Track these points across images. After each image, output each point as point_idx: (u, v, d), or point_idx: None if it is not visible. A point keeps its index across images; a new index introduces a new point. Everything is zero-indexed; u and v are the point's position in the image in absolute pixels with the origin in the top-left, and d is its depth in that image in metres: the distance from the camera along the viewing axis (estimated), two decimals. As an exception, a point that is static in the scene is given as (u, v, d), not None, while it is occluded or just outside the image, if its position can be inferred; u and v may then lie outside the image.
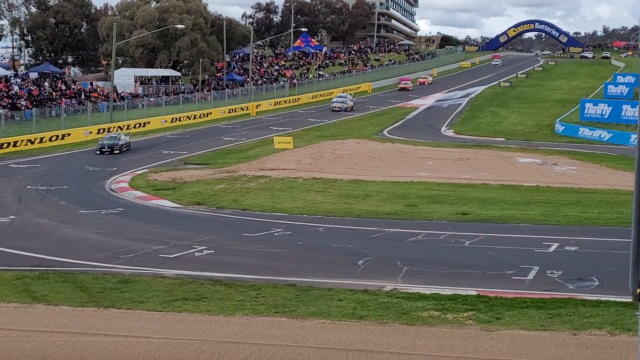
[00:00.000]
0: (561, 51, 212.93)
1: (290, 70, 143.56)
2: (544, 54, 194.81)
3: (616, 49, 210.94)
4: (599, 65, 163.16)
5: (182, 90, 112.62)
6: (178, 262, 29.53)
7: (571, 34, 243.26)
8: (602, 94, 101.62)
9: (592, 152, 65.64)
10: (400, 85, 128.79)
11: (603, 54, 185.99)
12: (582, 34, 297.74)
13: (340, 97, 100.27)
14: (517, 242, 33.00)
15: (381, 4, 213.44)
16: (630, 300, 23.08)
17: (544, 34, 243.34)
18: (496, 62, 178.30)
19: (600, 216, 38.79)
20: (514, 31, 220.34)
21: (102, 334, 20.61)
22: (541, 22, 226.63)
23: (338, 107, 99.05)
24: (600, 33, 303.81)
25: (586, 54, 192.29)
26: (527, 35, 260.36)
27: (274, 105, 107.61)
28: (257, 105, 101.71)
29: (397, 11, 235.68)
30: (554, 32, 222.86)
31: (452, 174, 52.56)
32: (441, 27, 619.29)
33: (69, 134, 71.12)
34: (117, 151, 63.72)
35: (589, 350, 19.24)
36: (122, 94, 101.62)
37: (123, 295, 24.64)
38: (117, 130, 74.00)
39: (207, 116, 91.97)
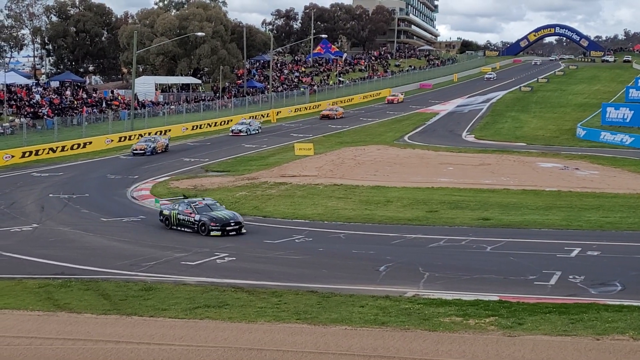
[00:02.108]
0: (582, 55, 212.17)
1: (307, 78, 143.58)
2: (550, 59, 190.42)
3: (637, 52, 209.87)
4: (620, 69, 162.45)
5: (203, 98, 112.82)
6: (200, 270, 29.62)
7: (592, 38, 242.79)
8: (624, 98, 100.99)
9: (613, 156, 65.30)
10: (322, 113, 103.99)
11: (624, 58, 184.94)
12: (603, 38, 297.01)
13: (243, 123, 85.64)
14: (539, 247, 32.90)
15: (401, 9, 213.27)
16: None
17: (564, 38, 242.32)
18: (490, 76, 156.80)
19: (623, 220, 38.62)
20: (535, 35, 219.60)
21: (124, 342, 20.71)
22: (562, 27, 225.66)
23: (237, 132, 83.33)
24: (621, 37, 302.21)
25: (607, 58, 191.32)
26: (547, 39, 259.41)
27: (295, 112, 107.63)
28: (278, 112, 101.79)
29: (417, 17, 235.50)
30: (574, 36, 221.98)
31: (473, 180, 52.44)
32: (461, 32, 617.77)
33: (90, 142, 71.41)
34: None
35: (612, 355, 19.18)
36: (143, 102, 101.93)
37: (145, 302, 24.74)
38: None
39: (227, 123, 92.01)
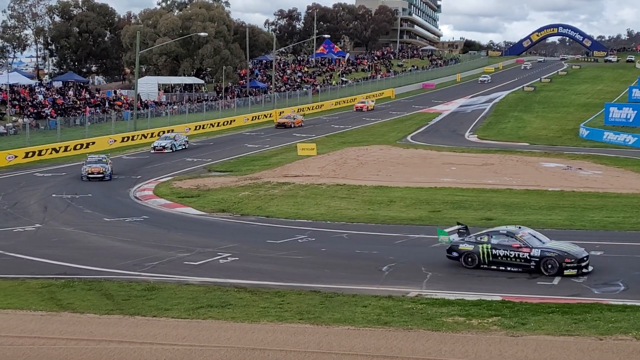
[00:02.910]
0: (585, 55, 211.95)
1: (308, 78, 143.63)
2: (538, 61, 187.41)
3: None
4: (624, 69, 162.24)
5: (206, 98, 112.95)
6: (203, 270, 29.63)
7: (595, 38, 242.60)
8: (627, 98, 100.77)
9: (616, 156, 65.24)
10: (278, 120, 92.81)
11: (627, 58, 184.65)
12: (606, 38, 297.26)
13: (167, 138, 71.46)
14: (542, 247, 32.82)
15: (404, 9, 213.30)
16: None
17: (567, 38, 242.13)
18: (484, 78, 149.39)
19: (626, 220, 38.60)
20: (538, 35, 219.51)
21: (127, 342, 20.72)
22: (565, 26, 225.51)
23: (160, 149, 69.49)
24: (624, 36, 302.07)
25: (610, 58, 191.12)
26: (550, 39, 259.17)
27: (297, 112, 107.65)
28: (280, 112, 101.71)
29: (420, 17, 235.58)
30: (577, 36, 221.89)
31: (476, 180, 52.41)
32: (464, 32, 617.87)
33: (93, 143, 71.44)
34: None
35: (615, 355, 19.17)
36: (146, 102, 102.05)
37: (148, 302, 24.76)
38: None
39: (230, 123, 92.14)
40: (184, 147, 70.99)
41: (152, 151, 68.92)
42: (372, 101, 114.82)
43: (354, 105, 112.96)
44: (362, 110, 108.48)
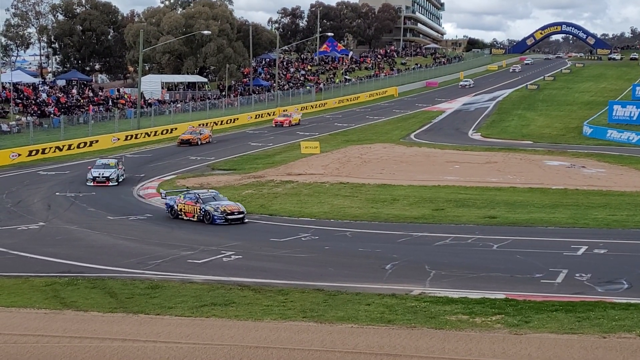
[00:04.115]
0: (589, 53, 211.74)
1: (311, 77, 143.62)
2: (527, 63, 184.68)
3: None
4: (627, 66, 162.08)
5: (209, 96, 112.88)
6: (206, 268, 29.66)
7: (599, 36, 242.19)
8: (631, 96, 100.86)
9: (620, 154, 65.23)
10: (180, 137, 75.50)
11: (631, 56, 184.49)
12: (610, 36, 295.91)
13: (102, 165, 53.14)
14: (546, 245, 32.90)
15: (407, 7, 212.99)
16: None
17: (571, 36, 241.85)
18: (465, 83, 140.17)
19: (629, 219, 38.60)
20: (541, 33, 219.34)
21: (131, 340, 20.74)
22: (568, 24, 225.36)
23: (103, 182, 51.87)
24: (628, 34, 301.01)
25: (614, 56, 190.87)
26: (554, 37, 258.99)
27: (301, 110, 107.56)
28: (284, 111, 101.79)
29: (423, 15, 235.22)
30: (581, 34, 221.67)
31: (480, 178, 52.42)
32: (467, 31, 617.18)
33: (96, 141, 71.45)
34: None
35: (619, 353, 19.16)
36: (149, 101, 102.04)
37: (152, 300, 24.78)
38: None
39: (234, 122, 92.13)
40: (119, 180, 52.75)
41: (92, 184, 51.54)
42: (298, 113, 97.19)
43: (272, 120, 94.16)
44: (283, 125, 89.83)
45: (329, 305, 23.91)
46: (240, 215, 39.14)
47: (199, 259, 31.11)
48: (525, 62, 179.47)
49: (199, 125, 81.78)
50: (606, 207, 41.98)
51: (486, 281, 27.07)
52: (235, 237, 35.64)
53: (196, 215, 39.59)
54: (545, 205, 42.53)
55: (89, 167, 53.40)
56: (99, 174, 51.75)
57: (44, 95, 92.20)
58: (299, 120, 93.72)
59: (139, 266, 29.98)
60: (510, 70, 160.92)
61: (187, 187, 44.43)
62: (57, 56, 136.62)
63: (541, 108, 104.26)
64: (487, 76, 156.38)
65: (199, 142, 73.64)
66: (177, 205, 40.51)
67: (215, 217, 38.79)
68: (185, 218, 39.97)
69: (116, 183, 51.71)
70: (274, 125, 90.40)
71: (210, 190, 42.68)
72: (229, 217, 38.79)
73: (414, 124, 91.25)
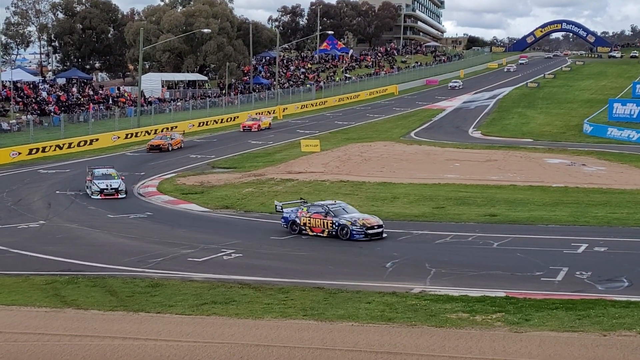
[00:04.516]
0: (589, 51, 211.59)
1: (316, 74, 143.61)
2: (545, 57, 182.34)
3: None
4: (627, 64, 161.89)
5: (209, 95, 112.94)
6: (206, 266, 29.66)
7: (599, 34, 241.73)
8: (631, 94, 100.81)
9: (620, 152, 65.22)
10: (150, 142, 70.01)
11: (631, 54, 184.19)
12: (610, 34, 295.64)
13: (104, 176, 47.79)
14: (546, 243, 32.87)
15: (407, 5, 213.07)
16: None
17: (571, 34, 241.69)
18: (455, 84, 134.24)
19: (630, 217, 38.58)
20: (541, 31, 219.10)
21: (131, 338, 20.73)
22: (568, 22, 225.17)
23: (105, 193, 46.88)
24: (628, 32, 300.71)
25: (614, 54, 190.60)
26: (554, 35, 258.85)
27: (301, 108, 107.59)
28: (284, 109, 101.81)
29: (423, 13, 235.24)
30: (581, 32, 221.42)
31: (480, 176, 52.39)
32: (467, 29, 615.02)
33: (97, 139, 71.46)
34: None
35: (619, 351, 19.15)
36: (150, 99, 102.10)
37: (152, 299, 24.78)
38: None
39: (234, 120, 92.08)
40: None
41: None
42: (268, 117, 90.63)
43: (240, 124, 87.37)
44: (252, 129, 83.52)
45: (330, 303, 23.91)
46: (380, 230, 34.59)
47: (200, 257, 31.11)
48: (520, 61, 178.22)
49: (171, 129, 78.78)
50: (606, 205, 41.97)
51: (486, 279, 27.07)
52: (236, 235, 35.64)
53: (326, 230, 34.86)
54: (545, 203, 42.52)
55: (88, 179, 47.97)
56: (107, 185, 46.63)
57: (44, 94, 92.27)
58: (269, 124, 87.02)
59: (139, 264, 29.98)
60: (505, 70, 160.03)
61: (303, 199, 39.45)
62: (57, 54, 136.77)
63: (541, 106, 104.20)
64: (479, 77, 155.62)
65: (170, 148, 68.29)
66: (301, 220, 35.62)
67: (354, 232, 34.04)
68: (311, 233, 35.26)
69: (125, 195, 46.97)
70: (241, 130, 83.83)
71: (336, 200, 37.92)
72: (369, 231, 34.18)
73: (414, 122, 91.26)
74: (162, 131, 75.98)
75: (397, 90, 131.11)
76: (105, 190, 46.39)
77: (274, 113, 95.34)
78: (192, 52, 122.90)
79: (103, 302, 24.53)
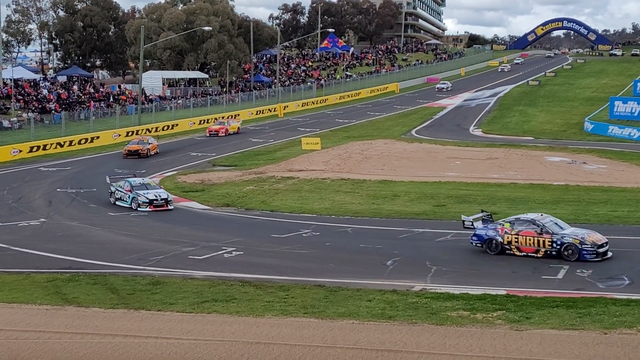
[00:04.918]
0: (589, 49, 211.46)
1: (317, 71, 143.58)
2: (547, 56, 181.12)
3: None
4: (629, 62, 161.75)
5: (210, 92, 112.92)
6: (207, 264, 29.66)
7: (600, 32, 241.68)
8: (632, 92, 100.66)
9: (621, 150, 65.18)
10: (126, 147, 64.66)
11: (632, 52, 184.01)
12: (611, 32, 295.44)
13: (142, 185, 44.40)
14: (547, 242, 32.79)
15: (408, 3, 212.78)
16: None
17: (572, 32, 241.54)
18: (443, 85, 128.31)
19: (631, 215, 38.57)
20: (542, 29, 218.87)
21: (132, 336, 20.75)
22: (569, 20, 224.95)
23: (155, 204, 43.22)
24: (629, 30, 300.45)
25: (615, 52, 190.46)
26: (555, 33, 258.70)
27: (302, 106, 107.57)
28: (285, 107, 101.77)
29: (424, 11, 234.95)
30: (582, 30, 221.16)
31: (481, 174, 52.37)
32: (468, 26, 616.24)
33: (97, 137, 71.49)
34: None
35: (620, 349, 19.16)
36: (150, 97, 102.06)
37: (153, 296, 24.80)
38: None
39: (235, 118, 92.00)
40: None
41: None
42: (237, 121, 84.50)
43: (207, 128, 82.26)
44: (218, 134, 78.93)
45: (330, 301, 23.92)
46: (605, 249, 29.84)
47: (200, 255, 31.12)
48: (516, 61, 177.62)
49: (143, 131, 75.97)
50: (607, 203, 41.96)
51: (487, 277, 27.10)
52: (236, 233, 35.64)
53: (542, 250, 30.10)
54: (546, 201, 42.49)
55: (127, 190, 43.55)
56: (156, 196, 42.96)
57: (45, 92, 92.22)
58: (238, 128, 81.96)
59: (140, 262, 30.00)
60: (499, 70, 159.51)
61: (485, 211, 34.08)
62: (58, 52, 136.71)
63: (542, 104, 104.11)
64: (481, 74, 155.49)
65: (148, 153, 63.81)
66: (504, 237, 30.87)
67: (585, 253, 29.19)
68: (518, 253, 30.47)
69: (173, 207, 43.29)
70: (207, 135, 78.98)
71: (542, 214, 32.56)
72: (600, 249, 29.54)
73: (415, 120, 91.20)
74: (136, 133, 73.33)
75: (398, 88, 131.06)
76: (155, 202, 42.66)
77: (239, 117, 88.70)
78: (193, 50, 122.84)
79: (104, 300, 24.54)
